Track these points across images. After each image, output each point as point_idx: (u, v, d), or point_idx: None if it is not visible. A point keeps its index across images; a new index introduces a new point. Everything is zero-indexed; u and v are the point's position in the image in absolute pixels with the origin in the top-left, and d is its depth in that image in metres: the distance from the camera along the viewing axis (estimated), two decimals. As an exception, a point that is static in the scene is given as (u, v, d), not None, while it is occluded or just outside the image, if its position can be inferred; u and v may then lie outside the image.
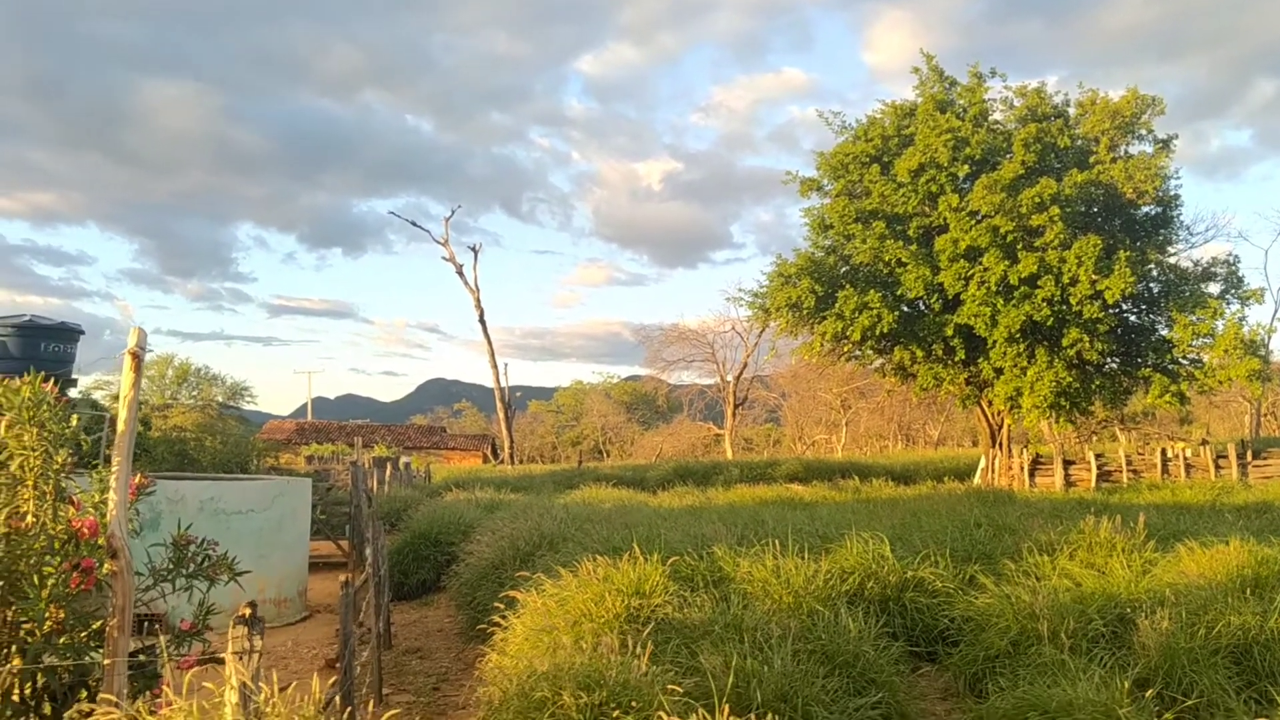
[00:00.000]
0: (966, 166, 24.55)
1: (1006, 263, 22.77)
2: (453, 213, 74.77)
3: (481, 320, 57.47)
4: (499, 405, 58.97)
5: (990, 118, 25.75)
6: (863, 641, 7.09)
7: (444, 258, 57.12)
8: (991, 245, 22.85)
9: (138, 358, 5.42)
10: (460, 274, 56.95)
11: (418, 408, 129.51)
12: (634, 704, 5.24)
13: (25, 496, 5.21)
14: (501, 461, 55.94)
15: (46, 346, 13.24)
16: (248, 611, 4.30)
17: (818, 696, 6.00)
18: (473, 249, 57.56)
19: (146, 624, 5.67)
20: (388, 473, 27.77)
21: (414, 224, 68.73)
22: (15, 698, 5.04)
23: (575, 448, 71.46)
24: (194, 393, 44.74)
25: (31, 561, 4.98)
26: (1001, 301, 22.81)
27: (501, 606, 8.08)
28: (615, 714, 5.12)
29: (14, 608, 4.96)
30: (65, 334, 13.90)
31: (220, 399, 45.21)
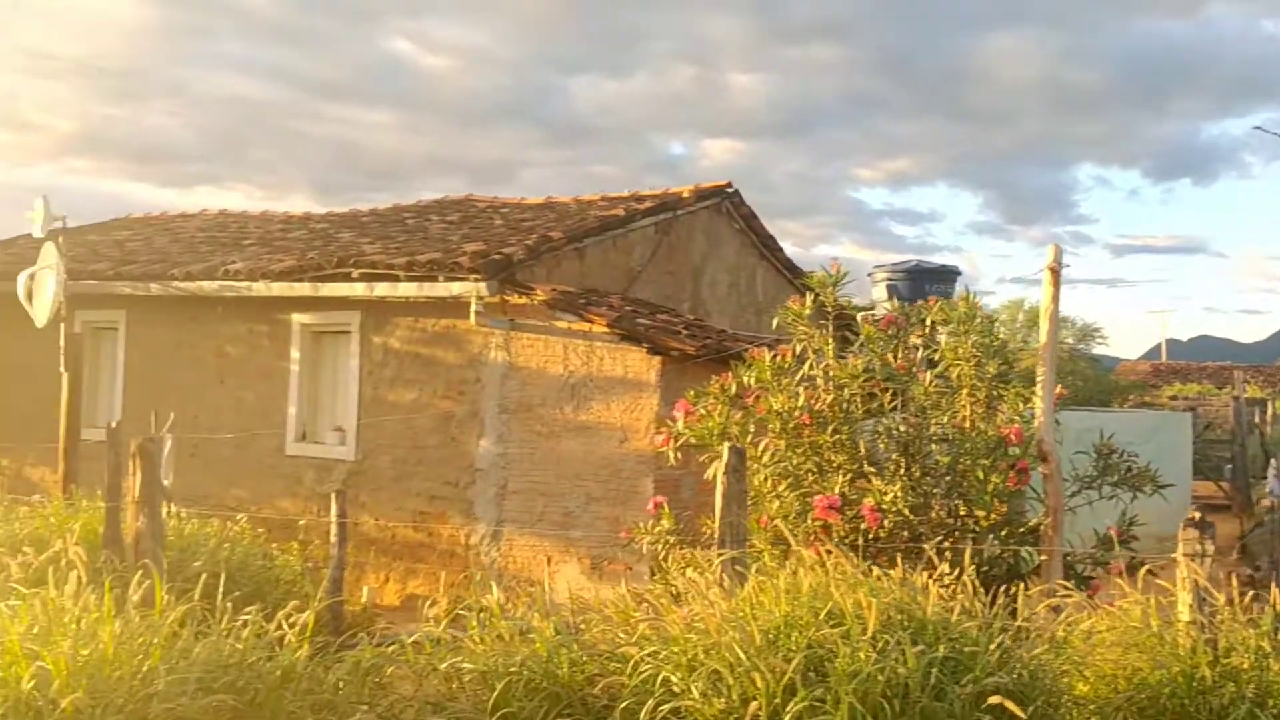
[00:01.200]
0: None
1: None
2: (1335, 116, 63.57)
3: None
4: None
5: None
6: None
7: (1326, 170, 48.92)
8: None
9: (1056, 273, 5.66)
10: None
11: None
12: None
13: (962, 402, 5.80)
14: None
15: (930, 287, 14.59)
16: (1197, 515, 4.23)
17: None
18: (1367, 154, 48.07)
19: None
20: (1268, 414, 24.94)
21: (1286, 136, 59.94)
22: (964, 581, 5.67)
23: None
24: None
25: (972, 460, 5.53)
26: None
27: None
28: None
29: (960, 500, 5.58)
30: (946, 275, 15.24)
31: (1070, 341, 45.09)
